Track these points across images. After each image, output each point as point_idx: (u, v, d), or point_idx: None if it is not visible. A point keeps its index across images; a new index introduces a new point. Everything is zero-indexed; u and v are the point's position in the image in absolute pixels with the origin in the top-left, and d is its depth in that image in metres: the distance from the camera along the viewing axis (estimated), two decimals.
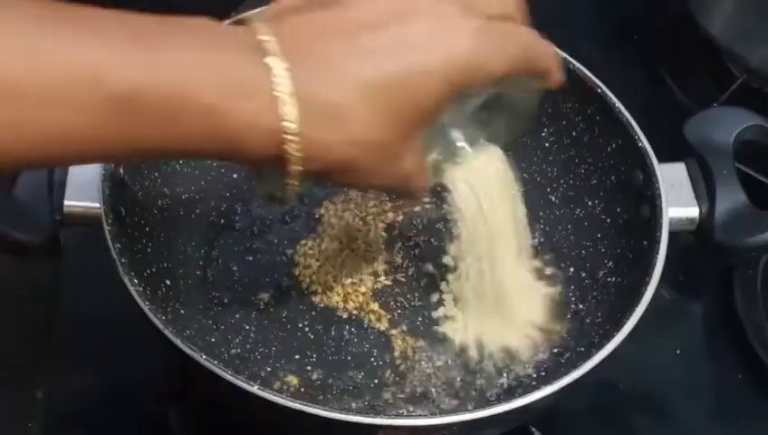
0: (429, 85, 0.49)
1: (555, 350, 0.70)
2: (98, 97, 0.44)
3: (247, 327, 0.70)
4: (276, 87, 0.47)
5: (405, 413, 0.66)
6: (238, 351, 0.69)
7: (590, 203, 0.75)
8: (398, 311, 0.72)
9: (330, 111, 0.48)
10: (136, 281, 0.61)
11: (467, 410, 0.60)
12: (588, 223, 0.75)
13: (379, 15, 0.49)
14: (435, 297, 0.72)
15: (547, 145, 0.78)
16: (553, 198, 0.77)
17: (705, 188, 0.70)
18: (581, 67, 0.74)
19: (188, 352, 0.58)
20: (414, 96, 0.49)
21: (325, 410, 0.58)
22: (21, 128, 0.44)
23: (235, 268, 0.73)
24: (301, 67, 0.47)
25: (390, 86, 0.48)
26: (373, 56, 0.48)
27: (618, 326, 0.62)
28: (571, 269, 0.74)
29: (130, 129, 0.46)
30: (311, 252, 0.74)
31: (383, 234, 0.75)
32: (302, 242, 0.74)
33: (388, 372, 0.69)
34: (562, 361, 0.69)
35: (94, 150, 0.47)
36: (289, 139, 0.47)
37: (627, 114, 0.72)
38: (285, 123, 0.47)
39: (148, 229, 0.69)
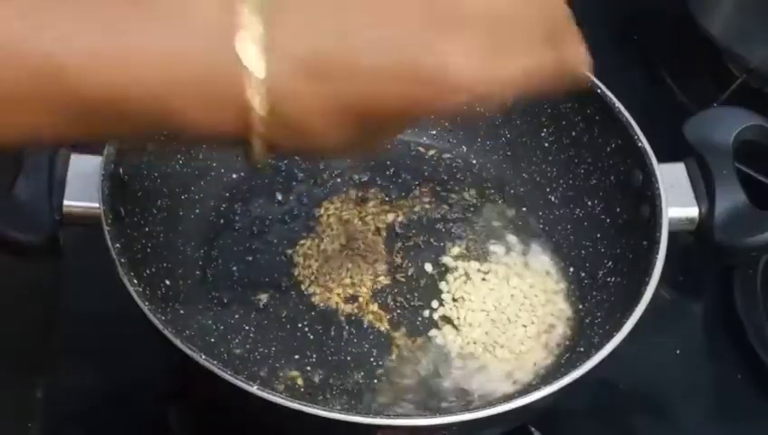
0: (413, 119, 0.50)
1: (555, 350, 0.70)
2: (60, 100, 0.44)
3: (247, 327, 0.70)
4: (246, 90, 0.44)
5: (405, 413, 0.66)
6: (238, 351, 0.69)
7: (589, 203, 0.75)
8: (398, 311, 0.72)
9: (298, 124, 0.46)
10: (135, 281, 0.61)
11: (467, 410, 0.59)
12: (587, 223, 0.75)
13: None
14: (434, 297, 0.72)
15: (547, 145, 0.78)
16: (553, 198, 0.77)
17: (704, 188, 0.70)
18: None
19: (188, 352, 0.58)
20: (393, 124, 0.49)
21: (325, 410, 0.58)
22: None
23: (234, 268, 0.73)
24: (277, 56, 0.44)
25: (374, 116, 0.47)
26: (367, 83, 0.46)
27: (617, 326, 0.62)
28: (571, 269, 0.74)
29: (84, 126, 0.45)
30: (310, 252, 0.74)
31: (383, 234, 0.75)
32: (302, 242, 0.74)
33: (388, 371, 0.69)
34: (562, 361, 0.69)
35: (48, 138, 0.47)
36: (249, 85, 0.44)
37: (626, 114, 0.72)
38: (246, 71, 0.44)
39: (147, 229, 0.69)
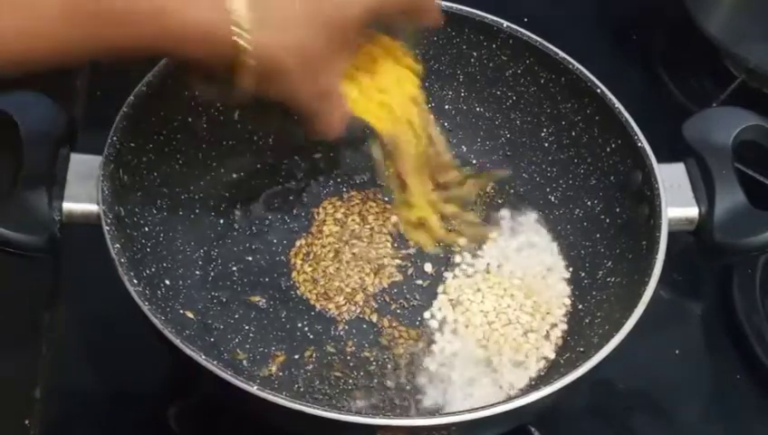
0: (354, 9, 0.59)
1: (555, 350, 0.70)
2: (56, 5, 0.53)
3: (247, 327, 0.70)
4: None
5: (405, 413, 0.66)
6: (238, 351, 0.69)
7: (589, 203, 0.75)
8: (398, 311, 0.72)
9: (274, 15, 0.57)
10: (135, 281, 0.62)
11: (467, 411, 0.59)
12: (587, 223, 0.75)
13: None
14: (434, 298, 0.72)
15: (546, 145, 0.78)
16: (553, 198, 0.77)
17: (704, 188, 0.70)
18: (581, 67, 0.74)
19: (188, 352, 0.58)
20: (342, 15, 0.59)
21: (325, 410, 0.58)
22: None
23: (234, 268, 0.73)
24: None
25: (326, 4, 0.58)
26: None
27: (617, 326, 0.62)
28: (571, 269, 0.74)
29: (85, 29, 0.54)
30: (310, 252, 0.74)
31: (383, 234, 0.75)
32: (302, 242, 0.74)
33: (388, 372, 0.69)
34: (562, 361, 0.69)
35: (52, 50, 0.54)
36: (237, 34, 0.56)
37: (626, 114, 0.72)
38: (236, 22, 0.55)
39: (147, 229, 0.69)
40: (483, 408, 0.59)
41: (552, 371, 0.68)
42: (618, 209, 0.73)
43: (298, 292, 0.72)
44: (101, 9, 0.54)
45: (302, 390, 0.67)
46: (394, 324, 0.71)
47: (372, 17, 0.61)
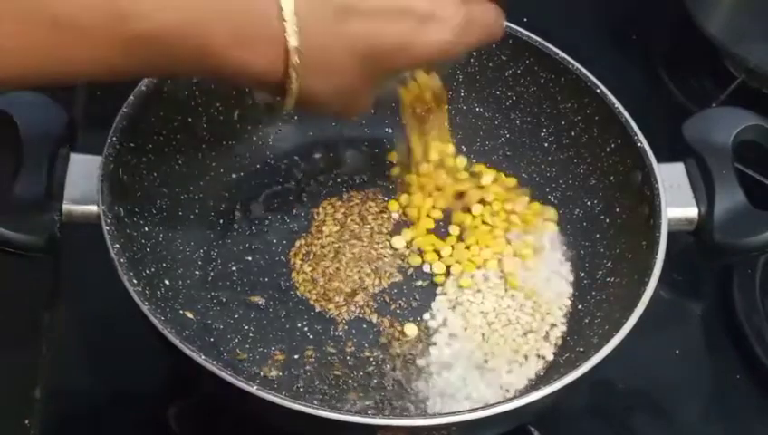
0: (406, 60, 0.60)
1: (555, 350, 0.70)
2: (114, 37, 0.52)
3: (247, 327, 0.70)
4: (287, 37, 0.54)
5: (405, 413, 0.66)
6: (238, 351, 0.69)
7: (588, 203, 0.75)
8: (398, 312, 0.72)
9: (324, 61, 0.56)
10: (135, 281, 0.62)
11: (467, 411, 0.60)
12: (587, 223, 0.75)
13: None
14: (434, 299, 0.72)
15: (546, 145, 0.78)
16: (553, 198, 0.77)
17: (704, 188, 0.70)
18: (581, 67, 0.74)
19: (188, 352, 0.59)
20: (391, 63, 0.59)
21: (325, 410, 0.58)
22: (45, 47, 0.51)
23: (234, 268, 0.73)
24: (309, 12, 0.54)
25: (377, 52, 0.57)
26: (374, 21, 0.57)
27: (617, 326, 0.62)
28: (571, 269, 0.74)
29: (137, 64, 0.54)
30: (310, 252, 0.74)
31: (383, 234, 0.75)
32: (302, 242, 0.74)
33: (388, 372, 0.69)
34: (562, 361, 0.69)
35: (93, 75, 0.54)
36: (288, 79, 0.56)
37: (626, 114, 0.72)
38: (290, 70, 0.55)
39: (147, 229, 0.69)
40: (483, 408, 0.59)
41: (552, 371, 0.68)
42: (618, 209, 0.73)
43: (298, 292, 0.72)
44: (159, 48, 0.53)
45: (301, 390, 0.67)
46: (394, 324, 0.71)
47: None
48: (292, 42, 0.54)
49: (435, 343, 0.70)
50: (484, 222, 0.76)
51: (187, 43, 0.53)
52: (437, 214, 0.76)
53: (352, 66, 0.57)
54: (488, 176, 0.77)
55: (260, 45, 0.54)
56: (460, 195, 0.76)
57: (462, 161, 0.78)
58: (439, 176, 0.76)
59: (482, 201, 0.76)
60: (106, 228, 0.63)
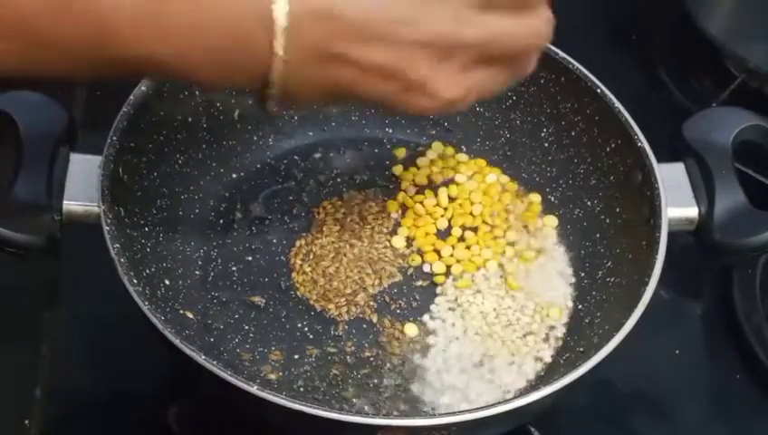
0: (384, 111, 0.60)
1: (555, 350, 0.70)
2: (97, 57, 0.52)
3: (247, 327, 0.70)
4: (272, 67, 0.52)
5: (405, 413, 0.66)
6: (238, 351, 0.69)
7: (589, 203, 0.75)
8: (398, 312, 0.72)
9: (297, 93, 0.54)
10: (135, 281, 0.62)
11: (467, 411, 0.59)
12: (587, 223, 0.75)
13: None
14: (434, 299, 0.72)
15: (546, 145, 0.78)
16: (553, 198, 0.77)
17: (704, 188, 0.70)
18: (581, 67, 0.74)
19: (188, 352, 0.59)
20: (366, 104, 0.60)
21: (325, 410, 0.58)
22: (26, 58, 0.52)
23: (234, 268, 0.73)
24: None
25: (353, 98, 0.55)
26: (359, 73, 0.53)
27: (617, 326, 0.62)
28: (571, 269, 0.74)
29: (121, 75, 0.54)
30: (310, 252, 0.74)
31: (383, 234, 0.75)
32: (302, 242, 0.74)
33: (388, 372, 0.69)
34: (562, 361, 0.69)
35: (75, 78, 0.60)
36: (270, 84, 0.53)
37: (626, 114, 0.72)
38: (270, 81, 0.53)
39: (147, 229, 0.69)
40: (483, 408, 0.59)
41: (552, 371, 0.68)
42: (618, 209, 0.73)
43: (298, 292, 0.72)
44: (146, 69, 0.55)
45: (301, 389, 0.67)
46: (394, 324, 0.71)
47: None
48: (276, 74, 0.53)
49: (435, 344, 0.70)
50: (484, 222, 0.76)
51: (169, 70, 0.54)
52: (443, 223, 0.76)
53: (322, 98, 0.56)
54: (492, 175, 0.78)
55: (244, 73, 0.53)
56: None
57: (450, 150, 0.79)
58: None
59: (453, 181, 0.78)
60: (106, 228, 0.63)
